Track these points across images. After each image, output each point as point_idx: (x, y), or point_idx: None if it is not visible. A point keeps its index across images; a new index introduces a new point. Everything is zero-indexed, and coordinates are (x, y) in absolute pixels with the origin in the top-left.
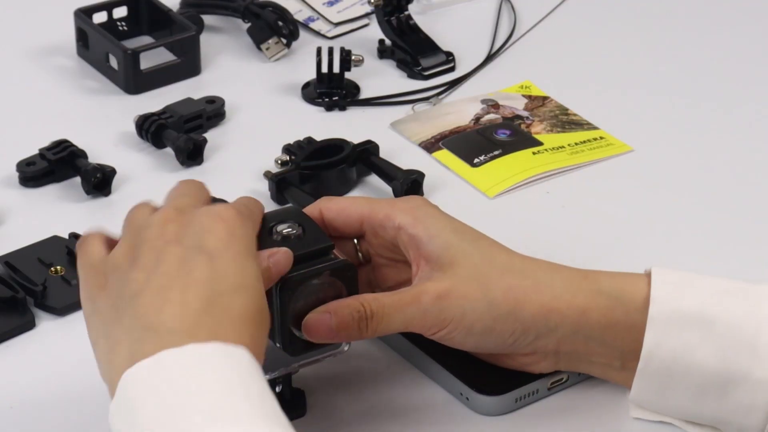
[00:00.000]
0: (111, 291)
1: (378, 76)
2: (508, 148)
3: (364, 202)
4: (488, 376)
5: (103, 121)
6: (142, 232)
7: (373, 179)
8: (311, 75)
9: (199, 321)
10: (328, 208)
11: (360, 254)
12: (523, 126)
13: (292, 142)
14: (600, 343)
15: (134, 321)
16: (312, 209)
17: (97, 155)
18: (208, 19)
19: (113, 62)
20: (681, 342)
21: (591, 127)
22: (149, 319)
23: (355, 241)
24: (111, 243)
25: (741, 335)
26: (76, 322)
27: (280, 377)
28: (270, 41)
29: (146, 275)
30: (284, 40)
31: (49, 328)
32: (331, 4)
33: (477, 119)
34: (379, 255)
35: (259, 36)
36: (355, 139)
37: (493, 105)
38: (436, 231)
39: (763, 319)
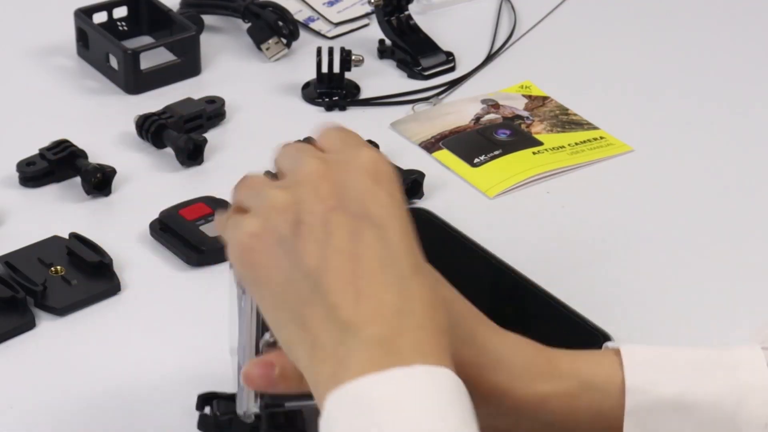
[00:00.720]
0: (278, 256)
1: (378, 76)
2: (508, 148)
3: None
4: None
5: (104, 121)
6: (296, 187)
7: None
8: (311, 75)
9: (400, 326)
10: None
11: None
12: (523, 126)
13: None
14: (561, 429)
15: (329, 312)
16: None
17: (97, 155)
18: (208, 19)
19: (113, 62)
20: (664, 430)
21: (591, 127)
22: (346, 313)
23: None
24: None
25: (721, 415)
26: (76, 322)
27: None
28: (270, 41)
29: (320, 248)
30: (284, 40)
31: (49, 328)
32: (331, 4)
33: (477, 119)
34: None
35: (259, 36)
36: None
37: (493, 105)
38: None
39: (741, 394)
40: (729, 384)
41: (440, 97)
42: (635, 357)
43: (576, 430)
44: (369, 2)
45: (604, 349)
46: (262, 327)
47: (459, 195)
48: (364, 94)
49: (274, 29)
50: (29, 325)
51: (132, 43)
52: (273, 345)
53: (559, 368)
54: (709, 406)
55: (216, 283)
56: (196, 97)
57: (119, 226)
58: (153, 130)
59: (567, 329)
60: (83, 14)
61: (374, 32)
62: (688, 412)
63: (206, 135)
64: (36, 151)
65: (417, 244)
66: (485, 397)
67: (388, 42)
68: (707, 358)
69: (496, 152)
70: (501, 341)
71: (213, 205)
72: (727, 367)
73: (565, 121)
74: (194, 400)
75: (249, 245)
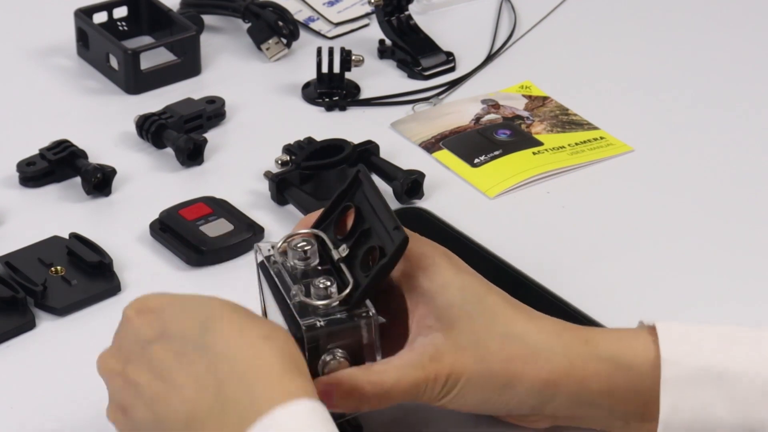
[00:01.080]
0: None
1: (378, 76)
2: (508, 148)
3: None
4: None
5: (104, 121)
6: (118, 339)
7: (374, 179)
8: (311, 75)
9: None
10: None
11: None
12: (523, 126)
13: (292, 142)
14: (600, 409)
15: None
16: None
17: (97, 155)
18: (208, 19)
19: (113, 62)
20: (698, 402)
21: (591, 127)
22: None
23: None
24: None
25: (755, 386)
26: (76, 322)
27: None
28: (270, 41)
29: (153, 378)
30: (284, 40)
31: (49, 328)
32: (331, 4)
33: (477, 119)
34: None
35: (259, 36)
36: (356, 139)
37: (493, 105)
38: (441, 286)
39: None
40: (763, 355)
41: (440, 97)
42: (670, 332)
43: (614, 408)
44: (369, 2)
45: (639, 326)
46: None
47: (459, 195)
48: (365, 94)
49: (274, 29)
50: (29, 325)
51: (132, 43)
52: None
53: (596, 350)
54: (744, 378)
55: (216, 283)
56: (196, 97)
57: (119, 226)
58: (153, 130)
59: None
60: (83, 14)
61: (374, 32)
62: (723, 383)
63: (206, 135)
64: (36, 151)
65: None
66: (530, 389)
67: (388, 42)
68: (740, 335)
69: (497, 152)
70: (539, 330)
71: (213, 205)
72: (761, 344)
73: (565, 121)
74: None
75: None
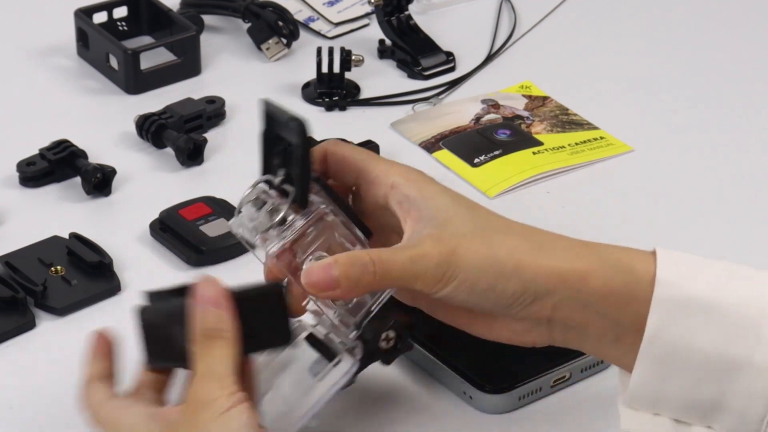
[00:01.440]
0: None
1: (378, 76)
2: (508, 148)
3: (365, 155)
4: (491, 374)
5: (104, 121)
6: None
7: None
8: (311, 75)
9: None
10: (333, 152)
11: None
12: (523, 126)
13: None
14: (596, 312)
15: None
16: (319, 149)
17: (97, 155)
18: (208, 19)
19: (113, 62)
20: (684, 326)
21: (591, 127)
22: None
23: (351, 192)
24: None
25: (744, 320)
26: (76, 322)
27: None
28: (270, 41)
29: None
30: (284, 40)
31: (49, 328)
32: (331, 4)
33: (477, 119)
34: (368, 215)
35: (259, 36)
36: (356, 139)
37: (493, 105)
38: (430, 194)
39: (767, 305)
40: (757, 296)
41: (440, 97)
42: (671, 258)
43: (609, 314)
44: (369, 2)
45: (640, 249)
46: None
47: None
48: (364, 94)
49: (274, 29)
50: (29, 325)
51: (132, 43)
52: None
53: (598, 252)
54: (735, 311)
55: None
56: (196, 97)
57: (119, 226)
58: (153, 130)
59: None
60: (83, 14)
61: (374, 32)
62: (712, 313)
63: (206, 135)
64: (36, 151)
65: None
66: (536, 276)
67: (388, 42)
68: (739, 271)
69: (496, 152)
70: (538, 231)
71: (213, 205)
72: (758, 283)
73: (565, 121)
74: None
75: None
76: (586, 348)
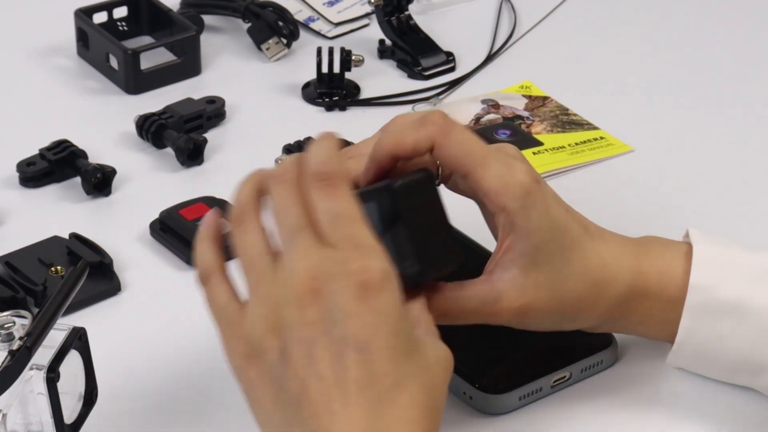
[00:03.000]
0: (266, 381)
1: (378, 76)
2: None
3: (479, 156)
4: (491, 374)
5: (104, 121)
6: (280, 309)
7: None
8: (311, 75)
9: None
10: (441, 145)
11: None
12: (523, 126)
13: (292, 142)
14: (654, 309)
15: None
16: (423, 138)
17: (97, 155)
18: (208, 19)
19: (113, 62)
20: (714, 332)
21: (591, 127)
22: None
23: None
24: (228, 275)
25: None
26: (76, 322)
27: None
28: (270, 41)
29: (302, 375)
30: (284, 40)
31: None
32: (331, 4)
33: (477, 119)
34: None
35: (259, 36)
36: (356, 139)
37: (493, 105)
38: (535, 228)
39: None
40: None
41: (440, 97)
42: (705, 256)
43: (657, 313)
44: (369, 2)
45: (681, 243)
46: None
47: (459, 195)
48: (365, 95)
49: (274, 29)
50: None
51: (132, 43)
52: None
53: (649, 262)
54: (763, 314)
55: None
56: (196, 97)
57: (119, 226)
58: (153, 130)
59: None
60: (83, 14)
61: (374, 32)
62: (742, 317)
63: (206, 135)
64: (36, 151)
65: (412, 349)
66: (598, 316)
67: (388, 42)
68: None
69: None
70: (611, 254)
71: (213, 205)
72: None
73: (566, 121)
74: (194, 401)
75: (241, 366)
76: (633, 333)
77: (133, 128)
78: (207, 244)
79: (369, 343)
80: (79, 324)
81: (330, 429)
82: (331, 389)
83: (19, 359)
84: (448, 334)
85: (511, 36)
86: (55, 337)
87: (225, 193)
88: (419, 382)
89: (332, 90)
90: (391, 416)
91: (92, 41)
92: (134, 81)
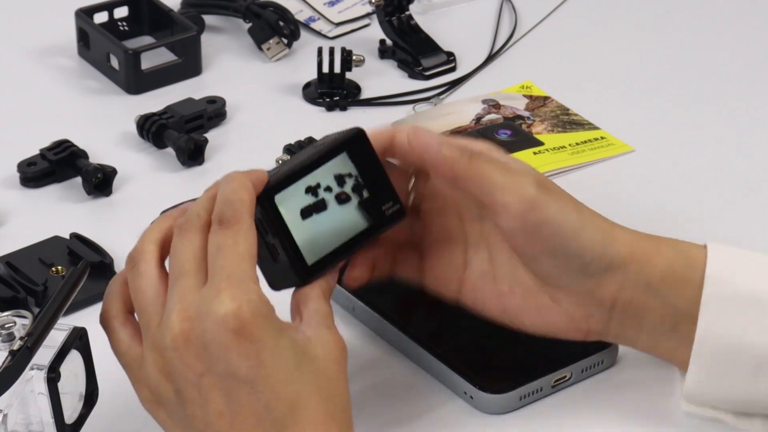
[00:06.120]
0: (176, 421)
1: (379, 76)
2: (509, 148)
3: (489, 183)
4: (492, 374)
5: (104, 121)
6: (164, 353)
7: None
8: (312, 75)
9: None
10: (453, 162)
11: (411, 197)
12: (524, 126)
13: (293, 142)
14: (656, 295)
15: None
16: (429, 143)
17: (97, 155)
18: (209, 19)
19: (114, 62)
20: (736, 323)
21: (592, 127)
22: None
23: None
24: (131, 320)
25: None
26: (76, 322)
27: None
28: (271, 41)
29: (201, 415)
30: (285, 40)
31: None
32: (332, 4)
33: (478, 119)
34: (436, 203)
35: (260, 36)
36: None
37: (494, 105)
38: (532, 255)
39: None
40: None
41: (441, 97)
42: (721, 254)
43: (668, 300)
44: (370, 2)
45: (692, 244)
46: None
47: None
48: (365, 94)
49: (274, 29)
50: None
51: (133, 43)
52: None
53: (656, 237)
54: None
55: None
56: (196, 97)
57: (120, 226)
58: (154, 130)
59: None
60: (84, 14)
61: (375, 32)
62: (762, 309)
63: (207, 135)
64: (37, 152)
65: (299, 359)
66: (614, 245)
67: (388, 42)
68: None
69: None
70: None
71: None
72: None
73: (566, 121)
74: None
75: (150, 410)
76: (641, 342)
77: (133, 128)
78: (111, 287)
79: (255, 374)
80: (80, 324)
81: None
82: (234, 425)
83: (20, 359)
84: (449, 334)
85: (511, 36)
86: (56, 337)
87: None
88: (315, 390)
89: (333, 90)
90: None
91: (93, 41)
92: (135, 81)
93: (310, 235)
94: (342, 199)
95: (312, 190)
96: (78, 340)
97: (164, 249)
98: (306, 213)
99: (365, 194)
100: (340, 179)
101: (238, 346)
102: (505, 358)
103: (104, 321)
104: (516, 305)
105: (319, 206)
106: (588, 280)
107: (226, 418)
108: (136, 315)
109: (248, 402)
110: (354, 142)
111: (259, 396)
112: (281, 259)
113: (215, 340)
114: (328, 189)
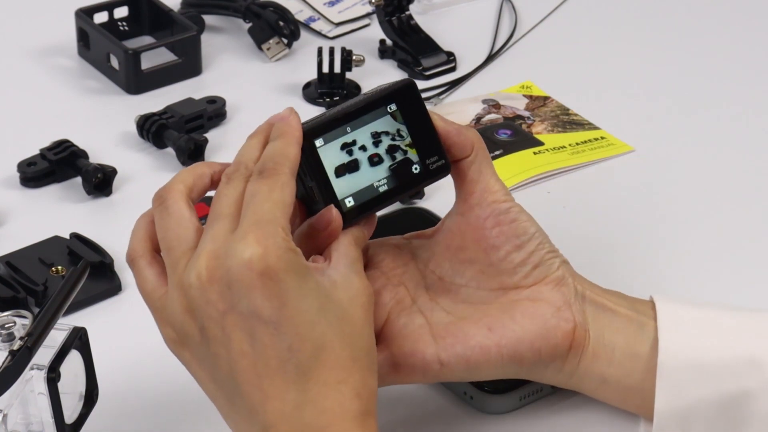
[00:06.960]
0: (200, 360)
1: (379, 76)
2: (509, 148)
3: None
4: None
5: (104, 121)
6: (188, 291)
7: None
8: (312, 75)
9: (301, 420)
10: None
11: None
12: (524, 126)
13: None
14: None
15: (249, 415)
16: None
17: (98, 155)
18: (209, 19)
19: (114, 62)
20: (689, 396)
21: (592, 127)
22: (261, 417)
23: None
24: (157, 259)
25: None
26: (76, 322)
27: None
28: (271, 41)
29: (225, 354)
30: (285, 40)
31: None
32: (332, 4)
33: (478, 119)
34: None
35: (260, 36)
36: None
37: (494, 105)
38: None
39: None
40: (738, 352)
41: (441, 97)
42: (670, 322)
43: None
44: (370, 2)
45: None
46: None
47: None
48: None
49: (275, 29)
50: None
51: (133, 43)
52: None
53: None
54: (724, 371)
55: None
56: (196, 97)
57: (120, 226)
58: (154, 130)
59: None
60: (84, 14)
61: (375, 32)
62: (708, 374)
63: (207, 135)
64: (37, 152)
65: (323, 302)
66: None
67: (389, 42)
68: (727, 320)
69: (497, 152)
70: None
71: None
72: (751, 329)
73: (566, 121)
74: (194, 402)
75: (175, 350)
76: (615, 357)
77: (133, 128)
78: (138, 225)
79: (278, 315)
80: (79, 324)
81: (264, 406)
82: (257, 365)
83: (20, 359)
84: None
85: (511, 36)
86: (56, 337)
87: None
88: (339, 334)
89: (333, 90)
90: (318, 383)
91: (93, 41)
92: (135, 81)
93: (348, 182)
94: (387, 149)
95: (354, 143)
96: (78, 340)
97: (193, 192)
98: (344, 167)
99: (410, 147)
100: (386, 132)
101: (262, 286)
102: None
103: (131, 260)
104: (494, 318)
105: (360, 159)
106: (540, 260)
107: (249, 358)
108: (162, 253)
109: (271, 343)
110: (404, 93)
111: (282, 337)
112: (318, 205)
113: (239, 280)
114: (378, 136)
